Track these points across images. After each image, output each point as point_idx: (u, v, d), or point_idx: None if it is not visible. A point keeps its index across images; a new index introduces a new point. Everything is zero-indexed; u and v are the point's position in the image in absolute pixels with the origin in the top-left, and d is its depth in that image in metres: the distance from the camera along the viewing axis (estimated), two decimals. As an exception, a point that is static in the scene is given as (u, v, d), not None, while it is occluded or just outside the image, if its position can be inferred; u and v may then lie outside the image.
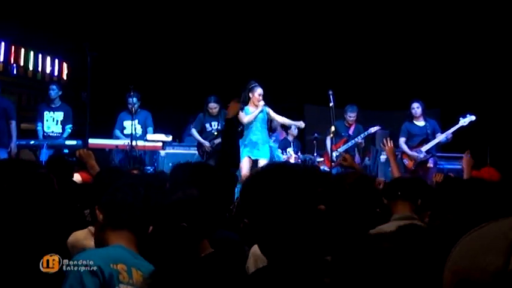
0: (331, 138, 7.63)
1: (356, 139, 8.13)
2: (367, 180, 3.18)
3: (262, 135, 7.05)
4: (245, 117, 6.98)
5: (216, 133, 7.79)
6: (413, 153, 7.78)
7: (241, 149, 6.52)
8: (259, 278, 1.43)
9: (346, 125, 8.27)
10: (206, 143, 7.81)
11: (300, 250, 1.43)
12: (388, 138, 5.23)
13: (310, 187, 1.50)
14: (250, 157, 6.95)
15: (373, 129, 8.22)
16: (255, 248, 2.37)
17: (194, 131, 7.91)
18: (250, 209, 1.49)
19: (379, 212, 3.09)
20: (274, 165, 1.63)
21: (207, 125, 7.88)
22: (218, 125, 7.79)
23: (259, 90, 7.05)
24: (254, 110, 7.04)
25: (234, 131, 3.52)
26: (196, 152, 8.15)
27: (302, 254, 1.42)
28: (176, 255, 1.99)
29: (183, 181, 2.75)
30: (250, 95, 7.06)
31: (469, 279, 0.76)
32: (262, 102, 7.02)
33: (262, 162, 6.79)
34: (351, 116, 8.22)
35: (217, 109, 7.77)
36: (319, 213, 1.48)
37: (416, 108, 7.81)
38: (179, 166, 2.99)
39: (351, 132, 8.29)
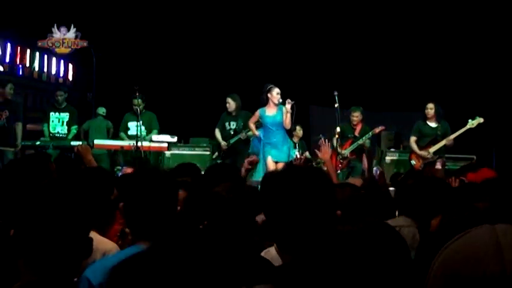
0: (337, 139, 7.62)
1: (360, 140, 8.12)
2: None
3: (282, 136, 7.05)
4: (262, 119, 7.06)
5: (232, 132, 7.91)
6: (423, 152, 7.75)
7: (261, 147, 6.94)
8: (277, 275, 1.43)
9: (353, 126, 8.28)
10: (222, 143, 7.90)
11: (317, 249, 1.46)
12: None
13: (331, 191, 1.52)
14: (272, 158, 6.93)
15: (377, 130, 8.21)
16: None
17: (217, 131, 8.03)
18: (272, 207, 1.51)
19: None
20: (298, 168, 1.66)
21: (226, 124, 8.02)
22: (236, 125, 7.91)
23: (276, 90, 7.03)
24: (272, 112, 7.00)
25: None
26: (203, 152, 8.28)
27: (318, 252, 1.45)
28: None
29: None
30: (269, 95, 7.02)
31: (465, 285, 0.77)
32: (280, 100, 6.96)
33: (281, 165, 6.72)
34: (354, 115, 8.24)
35: (233, 105, 7.82)
36: (336, 217, 1.51)
37: (430, 109, 7.79)
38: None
39: (356, 133, 8.28)
